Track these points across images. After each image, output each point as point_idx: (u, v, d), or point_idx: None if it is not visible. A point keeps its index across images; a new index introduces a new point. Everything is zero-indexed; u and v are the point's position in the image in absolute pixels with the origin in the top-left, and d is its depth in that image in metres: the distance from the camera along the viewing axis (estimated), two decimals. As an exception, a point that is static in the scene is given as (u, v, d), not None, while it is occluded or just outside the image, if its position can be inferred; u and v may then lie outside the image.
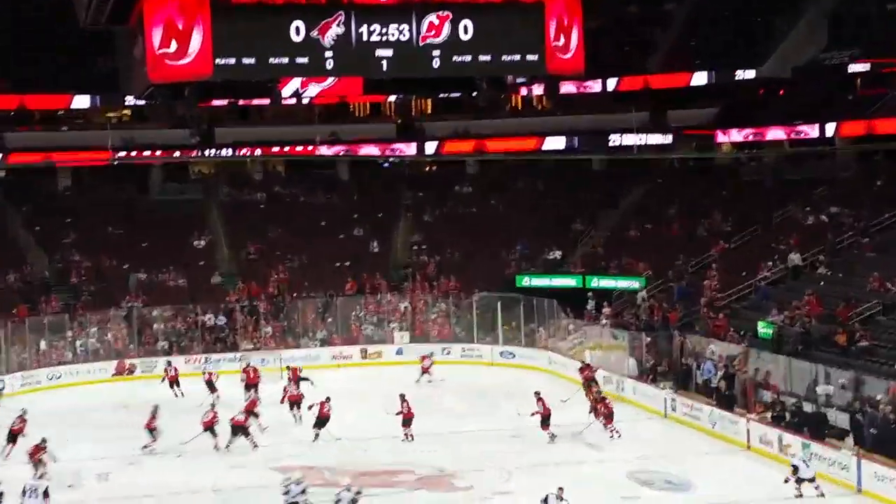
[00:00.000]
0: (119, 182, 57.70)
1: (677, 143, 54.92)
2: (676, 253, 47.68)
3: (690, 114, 55.32)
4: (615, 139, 54.93)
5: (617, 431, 31.52)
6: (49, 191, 57.61)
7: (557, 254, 52.18)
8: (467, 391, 39.85)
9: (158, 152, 55.95)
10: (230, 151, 56.06)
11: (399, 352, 46.40)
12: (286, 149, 56.37)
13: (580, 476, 27.26)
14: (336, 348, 46.34)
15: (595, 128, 56.32)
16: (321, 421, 32.41)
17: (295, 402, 34.91)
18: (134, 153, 55.20)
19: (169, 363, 41.48)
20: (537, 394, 32.62)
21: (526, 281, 49.75)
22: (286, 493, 24.16)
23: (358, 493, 23.52)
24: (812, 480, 25.05)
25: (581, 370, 36.58)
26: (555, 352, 43.43)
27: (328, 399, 32.89)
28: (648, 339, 39.35)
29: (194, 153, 56.82)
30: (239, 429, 31.32)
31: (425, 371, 41.76)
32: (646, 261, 48.06)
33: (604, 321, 43.86)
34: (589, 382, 35.15)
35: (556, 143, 55.77)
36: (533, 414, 31.81)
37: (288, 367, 38.86)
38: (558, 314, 44.74)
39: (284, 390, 35.68)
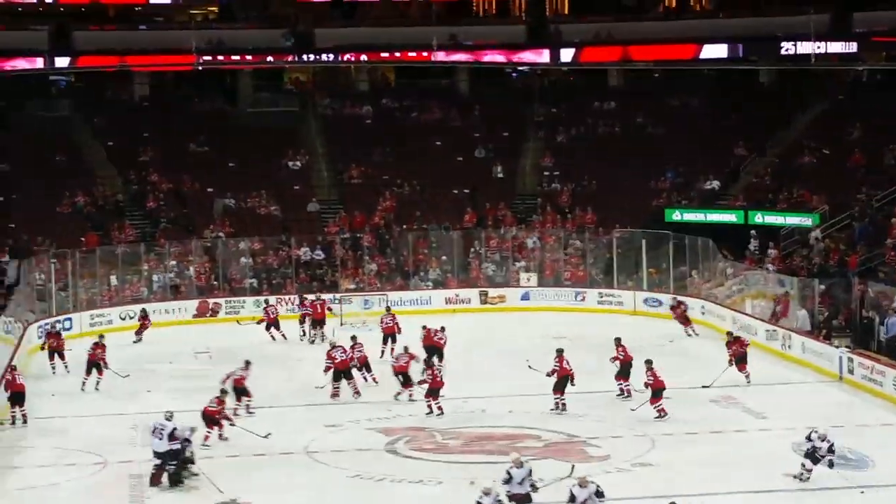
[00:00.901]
0: (203, 91, 58.55)
1: (863, 52, 53.74)
2: (858, 185, 46.99)
3: (880, 16, 54.20)
4: (788, 47, 54.13)
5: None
6: (123, 100, 58.65)
7: (715, 183, 51.70)
8: (604, 344, 39.66)
9: (249, 57, 56.51)
10: (331, 56, 56.50)
11: (525, 296, 46.44)
12: (397, 54, 56.50)
13: (736, 447, 27.03)
14: (451, 291, 46.52)
15: (764, 33, 55.58)
16: (433, 349, 34.12)
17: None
18: (221, 57, 55.81)
19: (267, 302, 42.25)
20: (618, 340, 32.66)
21: (677, 215, 49.37)
22: (507, 480, 22.16)
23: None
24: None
25: (729, 344, 34.08)
26: (709, 300, 43.09)
27: (442, 328, 34.14)
28: (822, 287, 38.77)
29: (290, 58, 57.25)
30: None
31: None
32: (821, 193, 47.38)
33: (769, 265, 43.33)
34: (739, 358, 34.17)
35: (716, 50, 55.18)
36: (549, 374, 30.93)
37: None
38: (714, 255, 44.36)
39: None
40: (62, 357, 36.06)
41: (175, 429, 24.62)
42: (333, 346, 33.27)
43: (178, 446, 24.65)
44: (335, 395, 32.52)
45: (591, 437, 27.91)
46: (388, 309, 39.23)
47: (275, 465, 26.46)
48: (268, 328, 40.53)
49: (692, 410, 30.30)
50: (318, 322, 39.62)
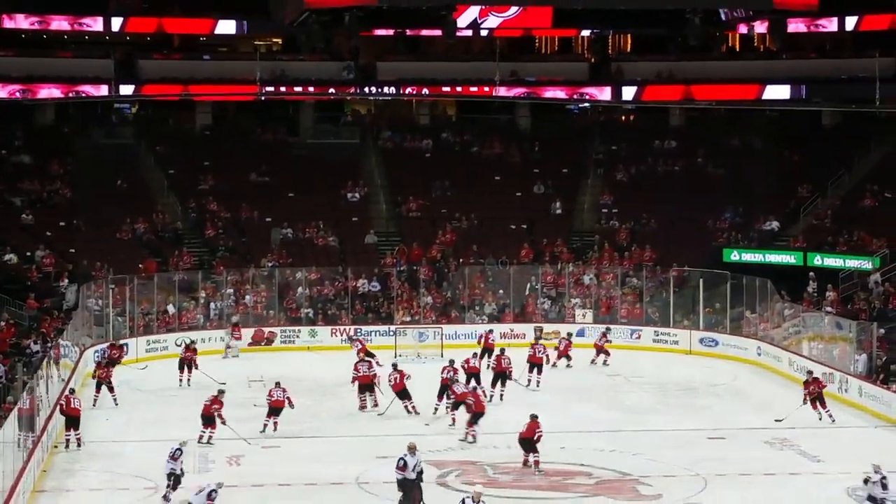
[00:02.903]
0: (265, 121, 58.89)
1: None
2: (920, 229, 46.52)
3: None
4: (852, 89, 53.69)
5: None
6: (186, 129, 59.06)
7: (775, 224, 51.44)
8: (658, 383, 39.57)
9: (311, 88, 56.79)
10: (393, 90, 56.56)
11: (580, 333, 46.27)
12: (458, 88, 56.61)
13: (790, 490, 26.80)
14: (506, 325, 46.40)
15: (828, 75, 55.26)
16: (500, 375, 35.75)
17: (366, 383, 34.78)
18: (283, 88, 56.08)
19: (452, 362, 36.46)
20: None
21: (735, 255, 49.17)
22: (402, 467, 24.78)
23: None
24: None
25: (807, 384, 34.30)
26: (766, 341, 42.80)
27: (503, 351, 35.28)
28: (882, 330, 38.42)
29: (352, 90, 57.45)
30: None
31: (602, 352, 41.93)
32: (882, 237, 47.00)
33: (827, 307, 42.99)
34: (815, 398, 33.82)
35: (779, 91, 54.96)
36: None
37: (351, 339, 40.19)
38: (772, 296, 44.04)
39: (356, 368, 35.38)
40: (111, 389, 35.76)
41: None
42: (361, 360, 35.14)
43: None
44: (362, 406, 34.17)
45: (643, 475, 27.73)
46: (394, 366, 35.41)
47: (325, 494, 26.49)
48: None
49: (746, 452, 30.10)
50: (367, 387, 35.17)
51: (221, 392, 31.08)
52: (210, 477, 27.50)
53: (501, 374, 36.32)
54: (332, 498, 26.23)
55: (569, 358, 41.58)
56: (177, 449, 26.18)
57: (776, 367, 40.90)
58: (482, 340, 40.60)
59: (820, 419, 32.86)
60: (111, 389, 35.51)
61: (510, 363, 36.25)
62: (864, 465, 27.29)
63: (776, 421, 32.54)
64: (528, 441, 28.18)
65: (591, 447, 30.37)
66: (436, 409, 34.08)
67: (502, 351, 37.17)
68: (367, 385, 34.74)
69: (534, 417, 28.34)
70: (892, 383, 35.57)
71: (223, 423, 30.50)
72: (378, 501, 25.93)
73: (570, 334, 43.42)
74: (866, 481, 23.96)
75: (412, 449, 24.73)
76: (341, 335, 45.05)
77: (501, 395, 35.97)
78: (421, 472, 24.79)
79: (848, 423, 33.70)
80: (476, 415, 31.07)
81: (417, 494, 24.48)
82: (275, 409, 32.12)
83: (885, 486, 23.60)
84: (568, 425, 32.27)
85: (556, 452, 29.63)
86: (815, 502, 25.77)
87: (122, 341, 41.48)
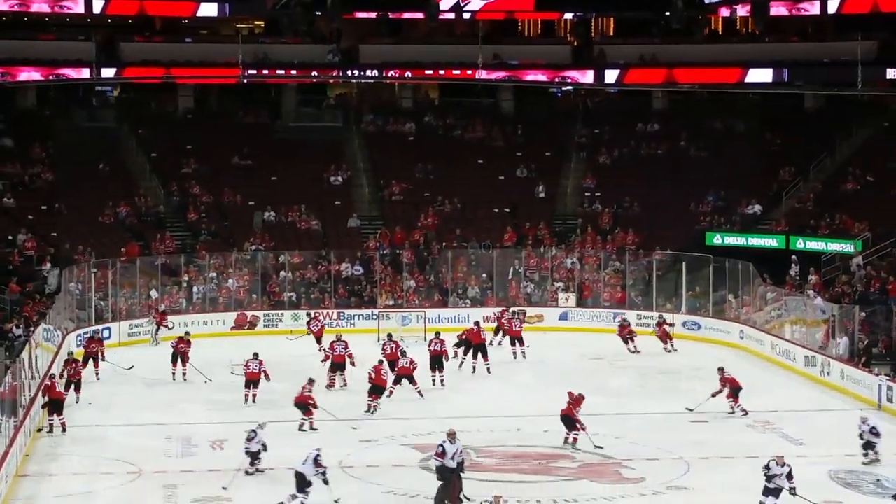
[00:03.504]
0: (247, 105, 58.83)
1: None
2: (903, 212, 46.65)
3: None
4: (835, 72, 53.77)
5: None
6: (168, 112, 58.91)
7: (757, 208, 51.53)
8: (641, 366, 39.65)
9: (294, 71, 56.69)
10: (376, 73, 56.44)
11: (563, 316, 46.38)
12: (441, 72, 56.54)
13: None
14: (489, 309, 46.41)
15: (810, 58, 55.33)
16: (478, 346, 37.34)
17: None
18: (266, 71, 55.96)
19: (390, 336, 38.58)
20: (721, 370, 32.38)
21: (717, 239, 49.23)
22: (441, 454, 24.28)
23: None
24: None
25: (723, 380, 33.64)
26: (748, 324, 42.90)
27: (477, 324, 35.77)
28: (863, 314, 38.53)
29: (335, 73, 57.35)
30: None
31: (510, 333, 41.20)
32: (864, 220, 47.15)
33: (810, 291, 43.10)
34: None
35: (761, 75, 54.91)
36: (714, 394, 31.64)
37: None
38: (755, 280, 44.12)
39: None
40: (96, 364, 36.40)
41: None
42: (337, 339, 35.61)
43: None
44: (330, 385, 34.90)
45: (626, 458, 27.82)
46: (389, 336, 37.55)
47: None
48: (318, 340, 40.37)
49: (729, 435, 30.21)
50: (339, 366, 35.72)
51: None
52: (194, 462, 27.58)
53: (480, 346, 38.03)
54: (315, 482, 26.22)
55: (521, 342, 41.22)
56: (252, 430, 26.39)
57: (759, 350, 41.01)
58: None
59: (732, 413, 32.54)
60: (78, 388, 33.25)
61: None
62: (845, 449, 27.57)
63: (688, 409, 32.52)
64: (569, 418, 28.71)
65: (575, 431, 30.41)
66: (433, 380, 34.99)
67: (477, 323, 39.22)
68: (339, 364, 35.25)
69: (573, 395, 28.99)
70: (873, 366, 35.73)
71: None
72: (362, 485, 25.95)
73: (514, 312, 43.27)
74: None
75: (452, 436, 23.93)
76: (325, 319, 44.76)
77: (480, 367, 37.72)
78: (462, 462, 23.93)
79: (830, 406, 33.83)
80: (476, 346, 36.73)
81: (457, 484, 23.72)
82: (251, 382, 33.19)
83: (876, 433, 24.47)
84: (551, 409, 32.28)
85: (539, 436, 29.74)
86: (797, 485, 25.80)
87: (103, 331, 41.16)
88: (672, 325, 42.97)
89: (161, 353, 38.88)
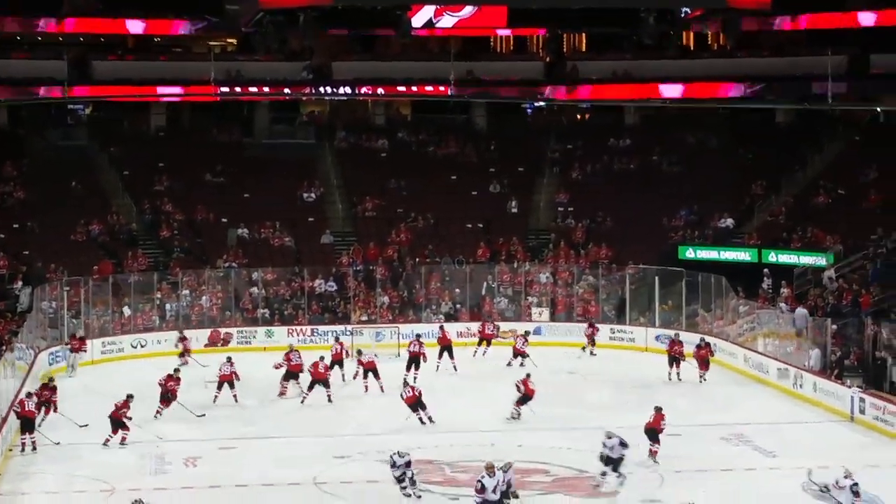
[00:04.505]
0: (220, 122, 58.75)
1: (881, 94, 53.66)
2: (873, 225, 46.86)
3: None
4: (805, 87, 54.03)
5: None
6: (140, 130, 58.79)
7: (729, 222, 51.68)
8: (615, 380, 39.68)
9: (266, 88, 56.67)
10: (349, 90, 56.46)
11: (537, 331, 46.38)
12: (414, 88, 56.57)
13: (746, 485, 26.96)
14: (463, 324, 46.42)
15: (782, 73, 55.53)
16: (444, 347, 40.39)
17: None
18: (238, 89, 55.92)
19: (337, 338, 41.17)
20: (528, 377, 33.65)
21: (690, 253, 49.37)
22: (392, 465, 25.34)
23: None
24: None
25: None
26: (721, 338, 42.98)
27: (528, 376, 33.94)
28: (835, 326, 38.69)
29: (307, 90, 57.35)
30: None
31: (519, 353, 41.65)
32: (836, 233, 47.34)
33: (782, 304, 43.23)
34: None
35: (733, 89, 55.00)
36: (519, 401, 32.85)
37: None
38: (727, 293, 44.24)
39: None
40: (47, 411, 32.82)
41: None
42: (292, 350, 37.08)
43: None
44: (282, 393, 36.16)
45: (600, 472, 27.81)
46: (360, 352, 38.37)
47: (283, 495, 26.46)
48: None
49: (702, 448, 30.27)
50: (293, 375, 36.65)
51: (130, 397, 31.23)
52: (167, 479, 27.48)
53: (447, 347, 40.84)
54: (289, 499, 26.20)
55: (525, 356, 41.53)
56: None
57: (731, 363, 41.07)
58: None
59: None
60: (31, 430, 30.58)
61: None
62: (817, 460, 27.60)
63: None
64: (654, 431, 28.83)
65: (547, 445, 30.43)
66: (405, 380, 34.98)
67: (441, 327, 42.39)
68: (293, 374, 36.39)
69: (658, 409, 29.03)
70: (845, 378, 35.85)
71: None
72: (336, 501, 25.90)
73: (527, 332, 43.58)
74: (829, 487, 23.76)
75: (490, 469, 23.50)
76: (298, 335, 44.96)
77: (452, 365, 40.47)
78: (506, 492, 23.66)
79: (802, 418, 33.93)
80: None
81: None
82: (224, 383, 34.92)
83: (856, 494, 23.47)
84: (524, 423, 32.36)
85: (513, 450, 29.68)
86: (770, 497, 25.90)
87: (53, 382, 35.21)
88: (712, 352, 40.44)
89: (94, 383, 38.52)
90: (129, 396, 31.36)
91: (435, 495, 25.86)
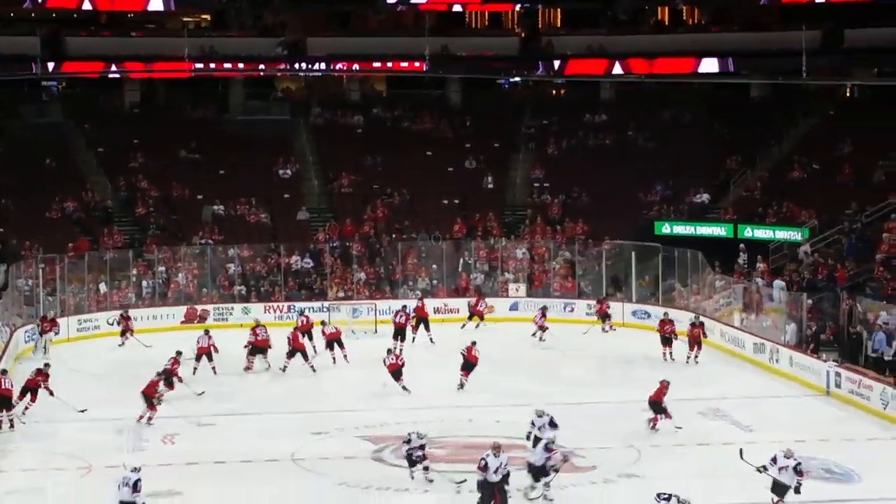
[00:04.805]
0: (194, 99, 58.44)
1: (855, 69, 53.75)
2: (848, 200, 46.93)
3: (873, 33, 54.18)
4: (780, 62, 54.09)
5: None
6: (115, 107, 58.53)
7: (705, 197, 51.74)
8: (592, 356, 39.74)
9: (241, 65, 56.52)
10: (324, 66, 56.32)
11: (514, 307, 46.44)
12: (389, 64, 56.46)
13: (723, 459, 27.00)
14: (439, 300, 46.45)
15: (756, 48, 55.59)
16: (421, 319, 40.96)
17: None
18: (213, 65, 55.72)
19: (302, 311, 41.96)
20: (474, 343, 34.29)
21: (666, 228, 49.43)
22: (407, 441, 25.25)
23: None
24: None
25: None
26: (697, 313, 43.02)
27: (474, 343, 34.42)
28: (810, 301, 38.80)
29: (282, 66, 57.18)
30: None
31: (541, 328, 41.76)
32: (811, 208, 47.43)
33: (758, 279, 43.34)
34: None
35: (708, 65, 55.20)
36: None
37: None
38: (703, 268, 44.34)
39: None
40: (33, 397, 31.87)
41: (138, 480, 22.69)
42: (258, 325, 37.29)
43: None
44: (248, 368, 36.56)
45: (577, 447, 27.83)
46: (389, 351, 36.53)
47: (261, 471, 26.43)
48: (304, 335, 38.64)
49: (679, 422, 30.27)
50: (260, 350, 36.91)
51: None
52: (145, 457, 27.42)
53: (423, 319, 41.54)
54: (267, 474, 26.16)
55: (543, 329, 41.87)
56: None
57: (709, 338, 41.14)
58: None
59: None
60: (9, 408, 30.25)
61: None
62: (794, 434, 27.74)
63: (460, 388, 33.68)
64: (657, 404, 29.20)
65: (525, 421, 30.41)
66: (389, 349, 34.92)
67: (420, 298, 43.35)
68: (260, 349, 36.74)
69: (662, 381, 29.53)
70: (821, 353, 35.97)
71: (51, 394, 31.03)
72: (313, 477, 25.91)
73: (545, 307, 43.15)
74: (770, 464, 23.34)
75: (497, 449, 23.13)
76: (274, 312, 44.93)
77: (428, 338, 41.12)
78: (507, 476, 23.17)
79: (779, 392, 34.06)
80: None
81: (499, 498, 22.89)
82: (203, 355, 35.49)
83: (799, 473, 23.28)
84: (503, 399, 32.39)
85: (491, 426, 29.73)
86: (746, 470, 25.93)
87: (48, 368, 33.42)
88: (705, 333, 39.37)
89: (72, 361, 38.15)
90: (178, 353, 32.99)
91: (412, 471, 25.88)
